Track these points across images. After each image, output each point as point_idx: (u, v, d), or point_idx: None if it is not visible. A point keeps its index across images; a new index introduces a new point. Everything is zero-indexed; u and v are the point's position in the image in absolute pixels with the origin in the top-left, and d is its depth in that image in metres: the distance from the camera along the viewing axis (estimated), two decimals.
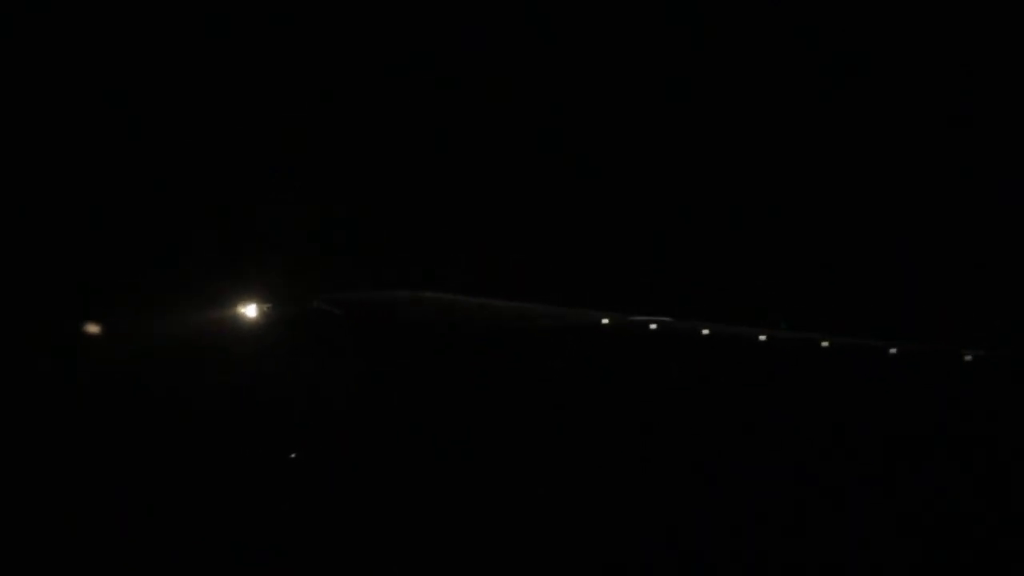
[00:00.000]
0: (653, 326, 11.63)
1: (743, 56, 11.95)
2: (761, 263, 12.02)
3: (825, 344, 11.86)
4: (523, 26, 11.48)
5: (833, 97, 12.09)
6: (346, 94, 11.35)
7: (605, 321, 11.61)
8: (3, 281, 10.45)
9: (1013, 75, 11.92)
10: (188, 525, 9.68)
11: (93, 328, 10.55)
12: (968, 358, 11.89)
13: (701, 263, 11.92)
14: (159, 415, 10.41)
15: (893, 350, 11.80)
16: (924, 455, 11.36)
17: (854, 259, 12.14)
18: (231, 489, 10.10)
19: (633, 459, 11.06)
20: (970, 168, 12.12)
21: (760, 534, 10.39)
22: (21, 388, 10.14)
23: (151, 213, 10.87)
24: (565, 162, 11.77)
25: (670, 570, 10.01)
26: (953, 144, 12.03)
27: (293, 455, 10.54)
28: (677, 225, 12.00)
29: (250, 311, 10.80)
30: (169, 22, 10.82)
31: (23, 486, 9.59)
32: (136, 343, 10.53)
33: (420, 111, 11.43)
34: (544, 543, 9.97)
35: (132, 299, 10.65)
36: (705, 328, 11.72)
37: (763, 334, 11.85)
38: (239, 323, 10.83)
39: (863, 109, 12.12)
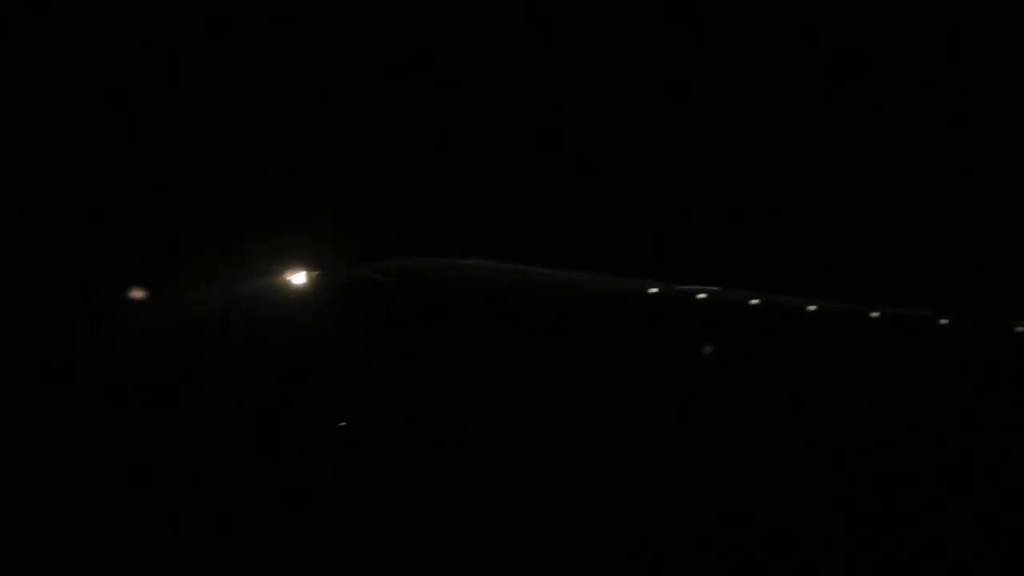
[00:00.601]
0: (702, 295, 11.51)
1: (787, 28, 11.77)
2: (808, 233, 11.90)
3: (875, 315, 11.75)
4: None
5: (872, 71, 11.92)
6: (388, 60, 11.20)
7: (653, 290, 11.50)
8: (40, 248, 10.36)
9: None
10: (228, 499, 9.62)
11: (134, 295, 10.48)
12: (1020, 329, 11.78)
13: (749, 233, 11.79)
14: (202, 382, 10.35)
15: (944, 321, 11.69)
16: (975, 427, 11.28)
17: (903, 231, 12.01)
18: (276, 457, 10.05)
19: (678, 431, 10.99)
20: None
21: (813, 505, 10.33)
22: (60, 358, 10.10)
23: (195, 180, 10.76)
24: (614, 128, 11.63)
25: (734, 543, 9.96)
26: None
27: (343, 423, 10.49)
28: (725, 194, 11.87)
29: (298, 279, 10.73)
30: None
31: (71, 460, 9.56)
32: (180, 310, 10.45)
33: (470, 74, 11.29)
34: (595, 513, 9.91)
35: (176, 266, 10.56)
36: (754, 298, 11.61)
37: (812, 304, 11.74)
38: (286, 291, 10.75)
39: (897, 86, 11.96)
